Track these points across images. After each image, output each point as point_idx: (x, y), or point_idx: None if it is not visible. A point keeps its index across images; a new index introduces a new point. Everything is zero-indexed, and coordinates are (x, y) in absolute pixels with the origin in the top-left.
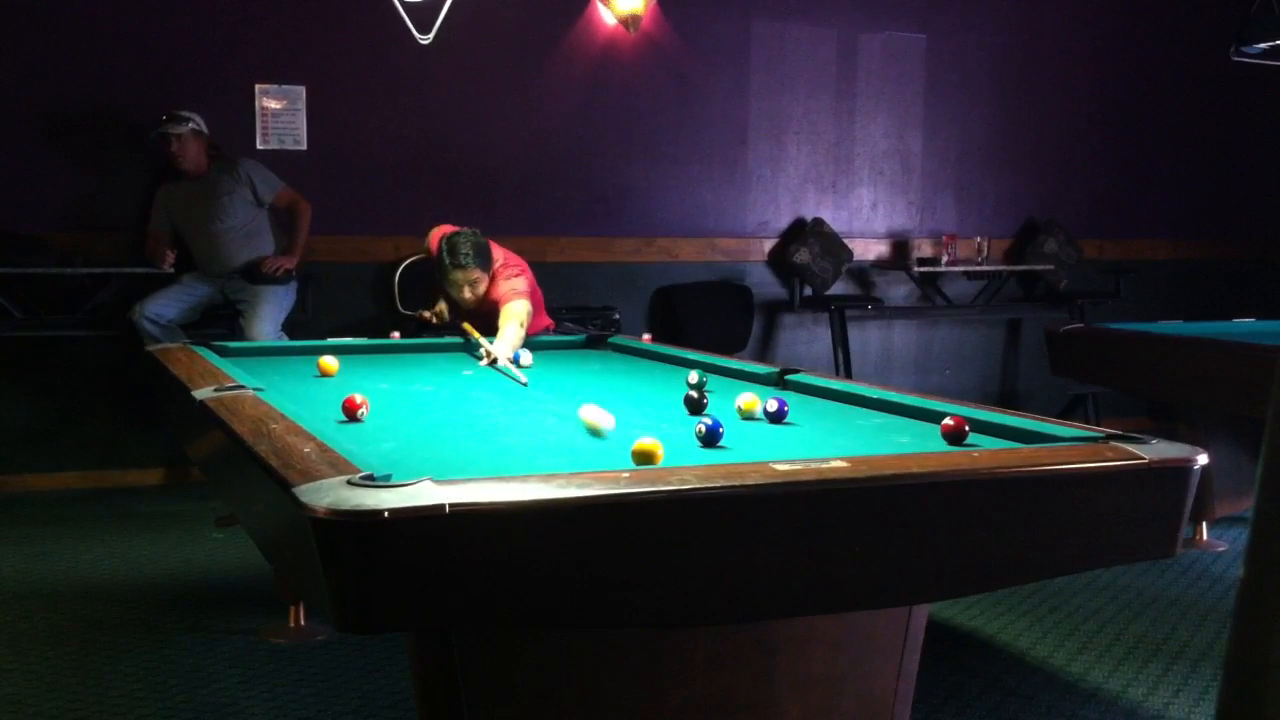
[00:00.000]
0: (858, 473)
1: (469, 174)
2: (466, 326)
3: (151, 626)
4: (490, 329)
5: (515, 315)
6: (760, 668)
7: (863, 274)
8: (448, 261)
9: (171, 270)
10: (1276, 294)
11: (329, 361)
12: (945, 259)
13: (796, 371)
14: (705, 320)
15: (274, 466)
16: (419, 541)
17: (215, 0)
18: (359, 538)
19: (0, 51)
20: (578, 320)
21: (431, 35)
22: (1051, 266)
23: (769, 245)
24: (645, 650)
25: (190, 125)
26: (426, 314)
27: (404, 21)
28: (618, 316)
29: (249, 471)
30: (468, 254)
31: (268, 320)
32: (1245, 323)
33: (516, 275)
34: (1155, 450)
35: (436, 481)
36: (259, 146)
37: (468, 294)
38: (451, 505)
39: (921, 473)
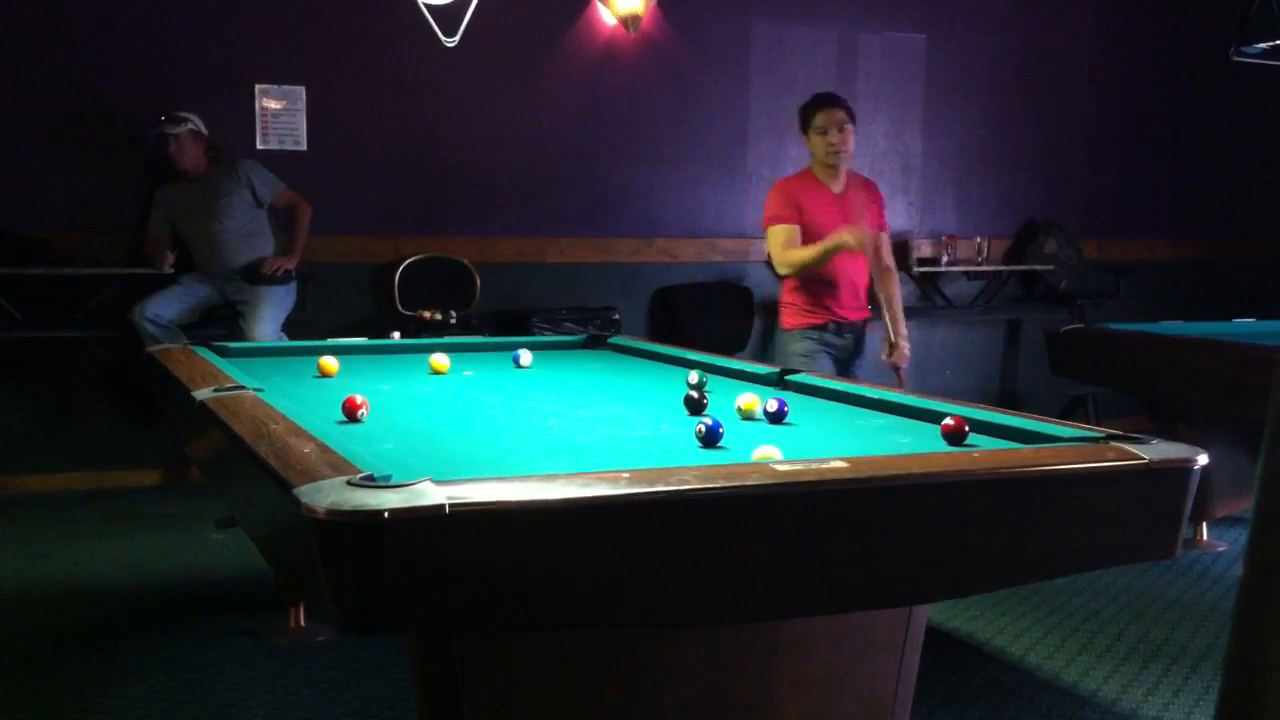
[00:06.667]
0: (858, 473)
1: (469, 174)
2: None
3: (151, 627)
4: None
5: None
6: (760, 668)
7: None
8: (818, 98)
9: (171, 271)
10: (1276, 294)
11: (329, 362)
12: (945, 259)
13: (796, 371)
14: (705, 320)
15: (274, 467)
16: (419, 542)
17: (215, 0)
18: (359, 538)
19: (0, 51)
20: (578, 320)
21: (458, 38)
22: (1051, 266)
23: None
24: (645, 650)
25: (188, 126)
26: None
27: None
28: (617, 317)
29: (249, 472)
30: (842, 98)
31: (268, 321)
32: (1245, 323)
33: None
34: (1155, 450)
35: (436, 481)
36: (259, 146)
37: (834, 138)
38: (451, 505)
39: (921, 473)
